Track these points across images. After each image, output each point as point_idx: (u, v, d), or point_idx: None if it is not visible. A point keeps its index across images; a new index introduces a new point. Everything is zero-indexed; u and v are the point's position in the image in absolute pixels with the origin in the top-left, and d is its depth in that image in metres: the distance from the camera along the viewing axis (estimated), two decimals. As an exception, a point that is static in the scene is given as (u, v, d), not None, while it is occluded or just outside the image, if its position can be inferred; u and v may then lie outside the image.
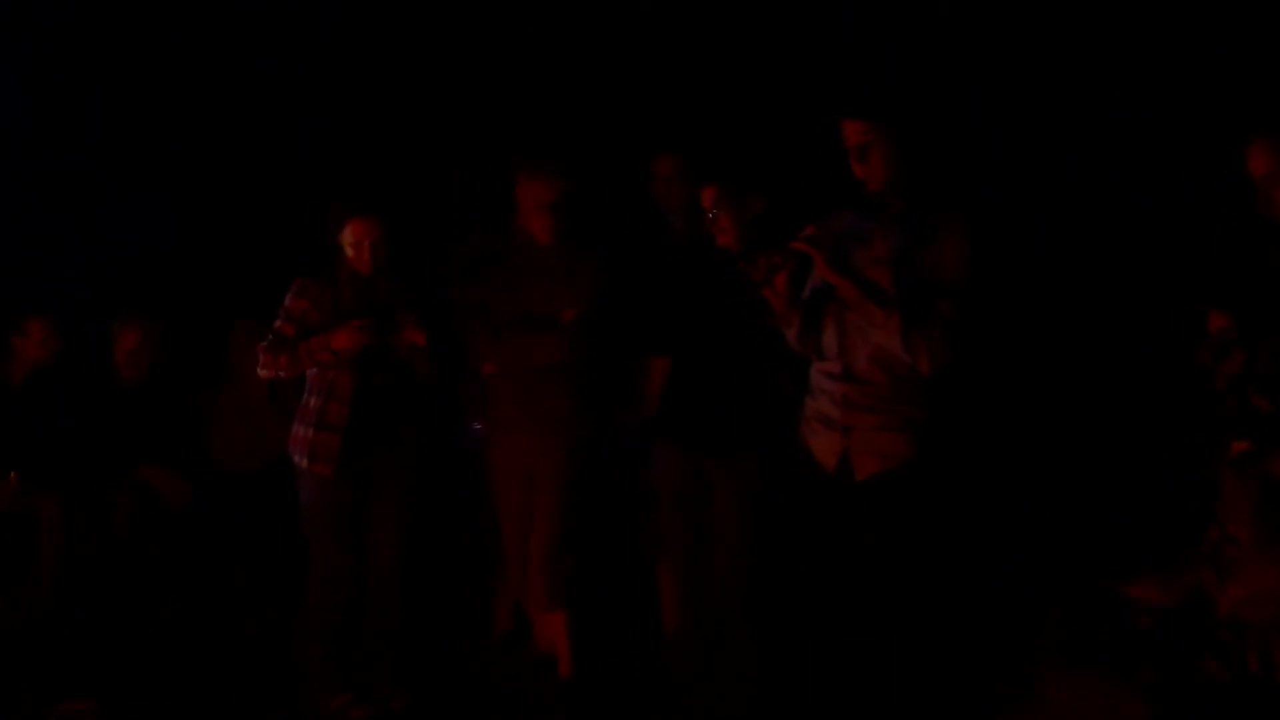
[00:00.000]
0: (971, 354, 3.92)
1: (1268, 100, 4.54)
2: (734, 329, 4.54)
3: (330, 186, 5.19)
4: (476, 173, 5.60)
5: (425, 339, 4.81)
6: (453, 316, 5.06)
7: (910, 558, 3.91)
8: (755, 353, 4.50)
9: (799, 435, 4.12)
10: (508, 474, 4.93)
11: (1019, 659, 4.28)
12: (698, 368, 4.62)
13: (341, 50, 6.61)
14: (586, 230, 4.94)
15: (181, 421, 6.32)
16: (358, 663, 4.92)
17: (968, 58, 5.60)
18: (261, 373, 4.92)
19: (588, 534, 4.90)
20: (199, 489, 6.17)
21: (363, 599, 4.91)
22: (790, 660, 4.56)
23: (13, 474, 6.09)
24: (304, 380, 4.98)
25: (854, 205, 4.08)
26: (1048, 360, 5.44)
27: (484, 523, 5.15)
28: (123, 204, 6.74)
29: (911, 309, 3.85)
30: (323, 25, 6.59)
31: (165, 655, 5.64)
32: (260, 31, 6.57)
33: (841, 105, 4.01)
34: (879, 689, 3.96)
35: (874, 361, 3.93)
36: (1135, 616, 4.03)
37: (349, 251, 4.87)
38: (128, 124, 6.77)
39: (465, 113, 6.40)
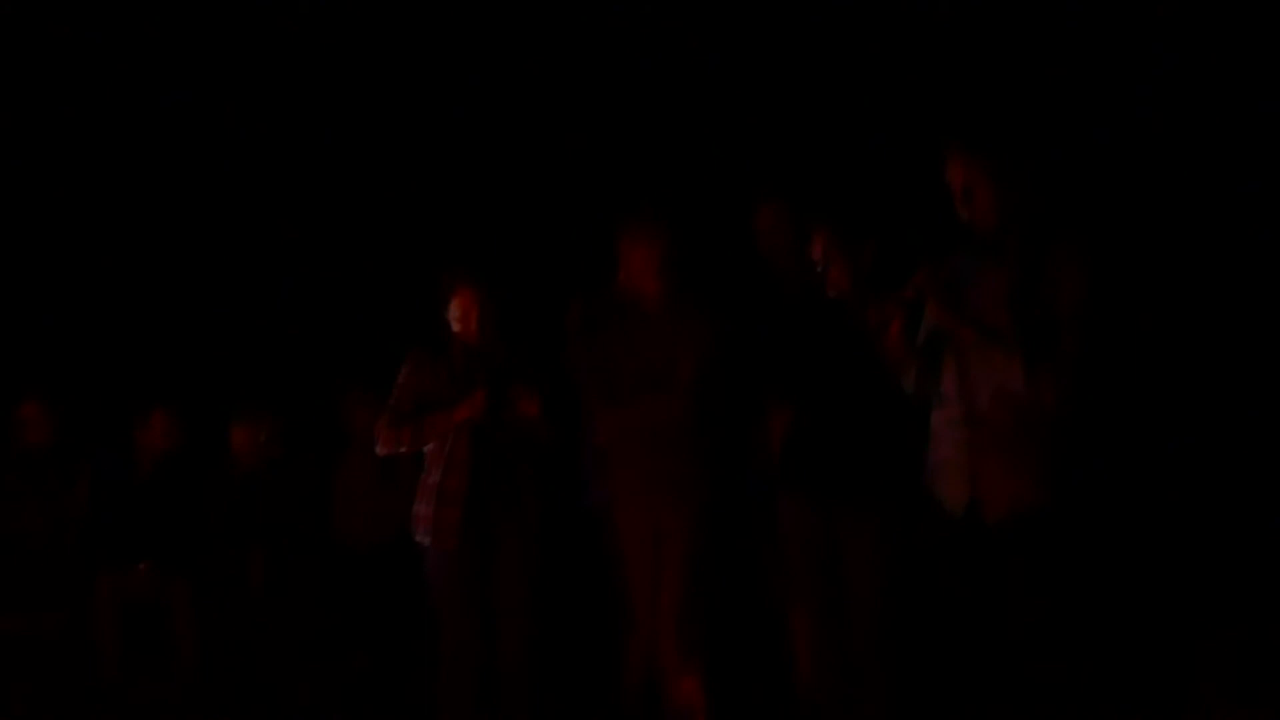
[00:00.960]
0: (1101, 387, 3.84)
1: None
2: (853, 376, 4.48)
3: (437, 258, 5.22)
4: (583, 235, 5.60)
5: (538, 409, 4.82)
6: (569, 380, 5.07)
7: (1050, 602, 3.82)
8: (877, 401, 4.44)
9: (924, 483, 4.06)
10: (635, 535, 4.90)
11: (1182, 699, 4.16)
12: (818, 417, 4.57)
13: (446, 121, 6.69)
14: (696, 287, 4.91)
15: (305, 500, 6.40)
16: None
17: (1070, 88, 5.53)
18: (381, 450, 4.96)
19: (718, 590, 4.86)
20: (324, 566, 6.23)
21: (494, 669, 4.91)
22: (927, 711, 4.49)
23: (143, 564, 6.20)
24: (420, 454, 5.00)
25: (965, 246, 4.02)
26: (1186, 387, 5.30)
27: (612, 586, 5.12)
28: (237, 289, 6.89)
29: (1032, 346, 3.78)
30: (423, 97, 6.67)
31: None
32: (368, 108, 6.68)
33: (942, 147, 3.96)
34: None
35: (996, 402, 3.86)
36: None
37: (456, 325, 4.91)
38: (237, 203, 6.92)
39: (568, 175, 6.44)
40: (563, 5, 6.39)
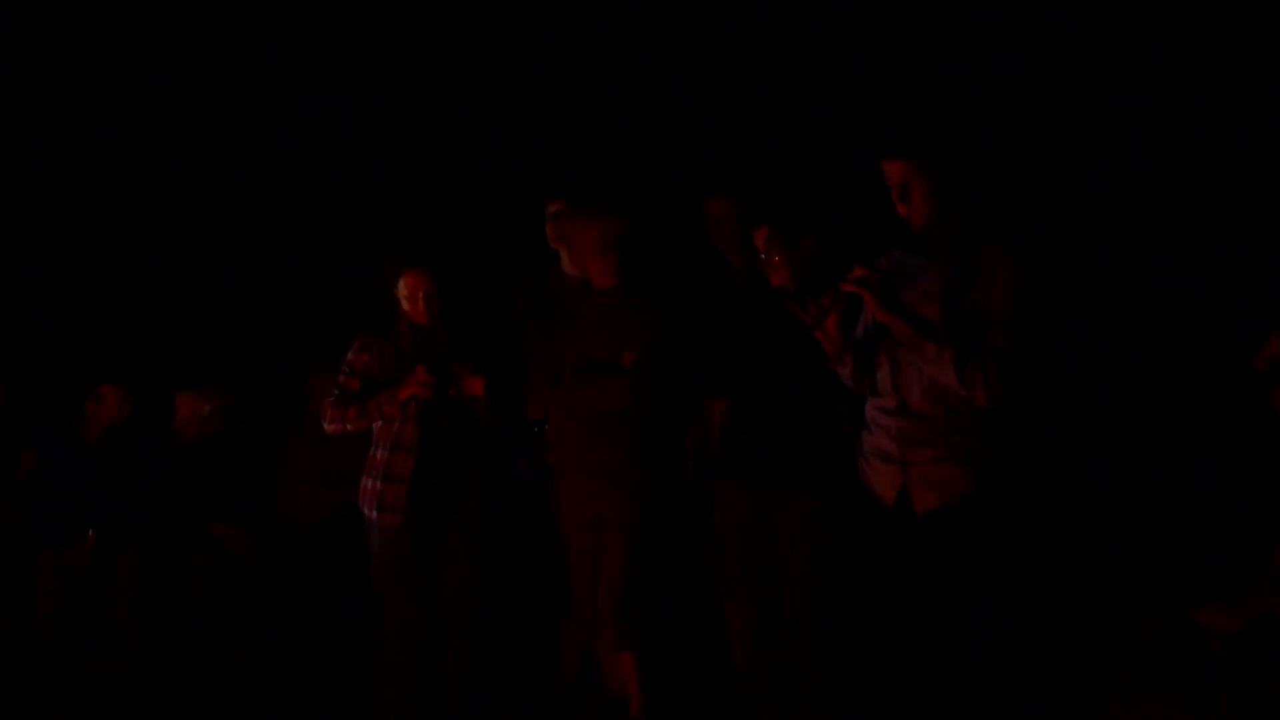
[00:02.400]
0: (1030, 383, 3.92)
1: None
2: (792, 367, 4.55)
3: (385, 239, 5.26)
4: (531, 217, 5.64)
5: (483, 389, 4.87)
6: (515, 361, 5.12)
7: (975, 590, 3.90)
8: (814, 390, 4.52)
9: (858, 471, 4.14)
10: (574, 519, 4.96)
11: (1091, 688, 4.26)
12: (758, 407, 4.64)
13: (394, 102, 6.72)
14: (643, 273, 4.97)
15: (251, 478, 6.42)
16: (432, 710, 4.97)
17: (1004, 89, 5.61)
18: (329, 427, 5.00)
19: (655, 576, 4.92)
20: (269, 544, 6.26)
21: (436, 646, 4.96)
22: (861, 695, 4.57)
23: (91, 533, 6.21)
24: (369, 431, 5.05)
25: (903, 243, 4.10)
26: (1109, 386, 5.42)
27: (552, 565, 5.18)
28: (189, 261, 6.89)
29: (963, 343, 3.86)
30: (373, 82, 6.70)
31: (240, 709, 5.73)
32: (316, 96, 6.70)
33: (880, 146, 4.03)
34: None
35: (928, 395, 3.94)
36: (1207, 643, 4.01)
37: (404, 304, 4.95)
38: (188, 184, 6.92)
39: (519, 158, 6.48)
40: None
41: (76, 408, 6.42)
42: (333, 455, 6.21)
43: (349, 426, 4.96)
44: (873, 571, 4.14)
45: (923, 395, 3.95)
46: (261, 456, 6.50)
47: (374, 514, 4.92)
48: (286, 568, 6.26)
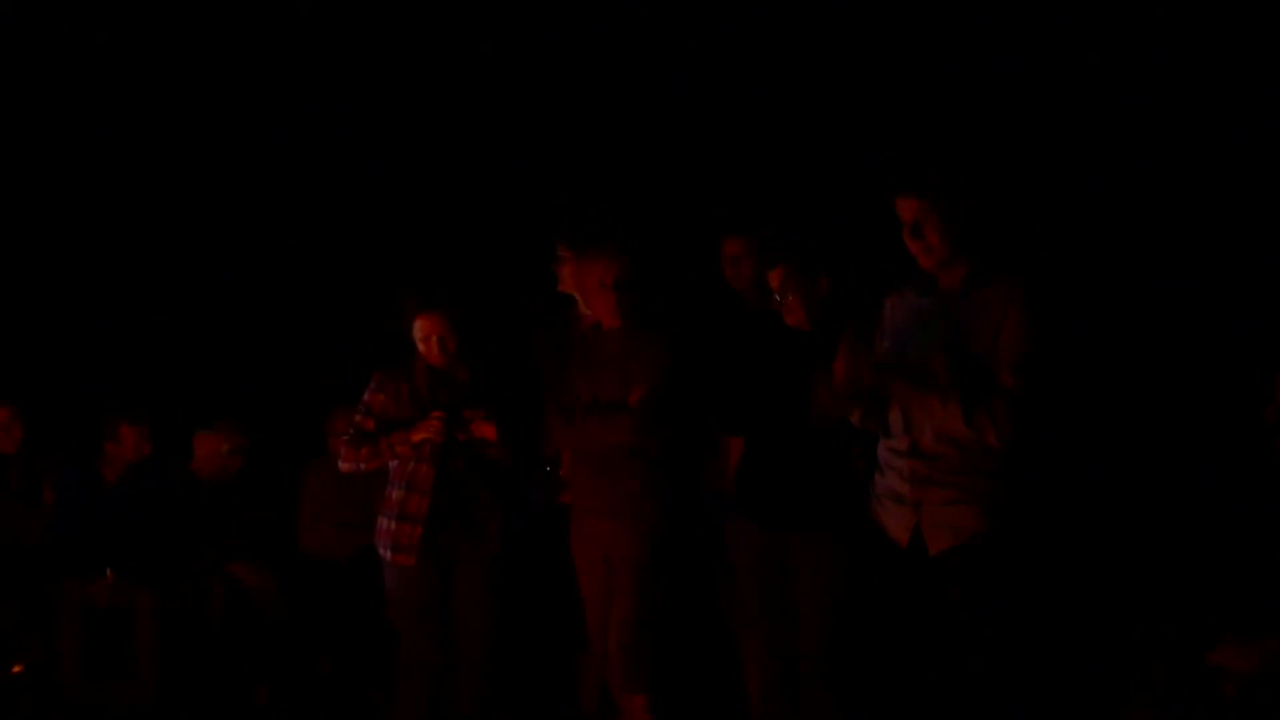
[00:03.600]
0: (1043, 421, 3.92)
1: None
2: (806, 406, 4.55)
3: (404, 275, 5.28)
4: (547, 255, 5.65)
5: (495, 434, 4.88)
6: (533, 400, 5.14)
7: (989, 631, 3.89)
8: (828, 429, 4.52)
9: (870, 512, 4.14)
10: (586, 557, 4.96)
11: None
12: (772, 445, 4.65)
13: (424, 132, 6.76)
14: (651, 311, 4.98)
15: (269, 516, 6.45)
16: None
17: (1003, 88, 5.60)
18: (343, 466, 5.03)
19: (668, 614, 4.92)
20: (287, 581, 6.28)
21: (450, 686, 4.97)
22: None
23: (109, 571, 6.25)
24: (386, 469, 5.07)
25: (913, 282, 4.11)
26: (1123, 425, 5.40)
27: (570, 602, 5.19)
28: (211, 297, 6.95)
29: (970, 390, 3.85)
30: (386, 118, 6.75)
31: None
32: (329, 132, 6.75)
33: (893, 183, 4.02)
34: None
35: (940, 436, 3.93)
36: (1219, 684, 3.99)
37: (420, 346, 4.98)
38: (210, 221, 6.97)
39: (541, 194, 6.51)
40: (532, 25, 6.46)
41: (96, 444, 6.47)
42: (352, 493, 6.26)
43: (362, 466, 4.99)
44: (888, 612, 4.13)
45: (934, 436, 3.94)
46: (280, 494, 6.51)
47: (389, 554, 4.94)
48: (305, 605, 6.27)
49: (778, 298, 4.63)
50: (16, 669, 5.91)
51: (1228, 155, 5.50)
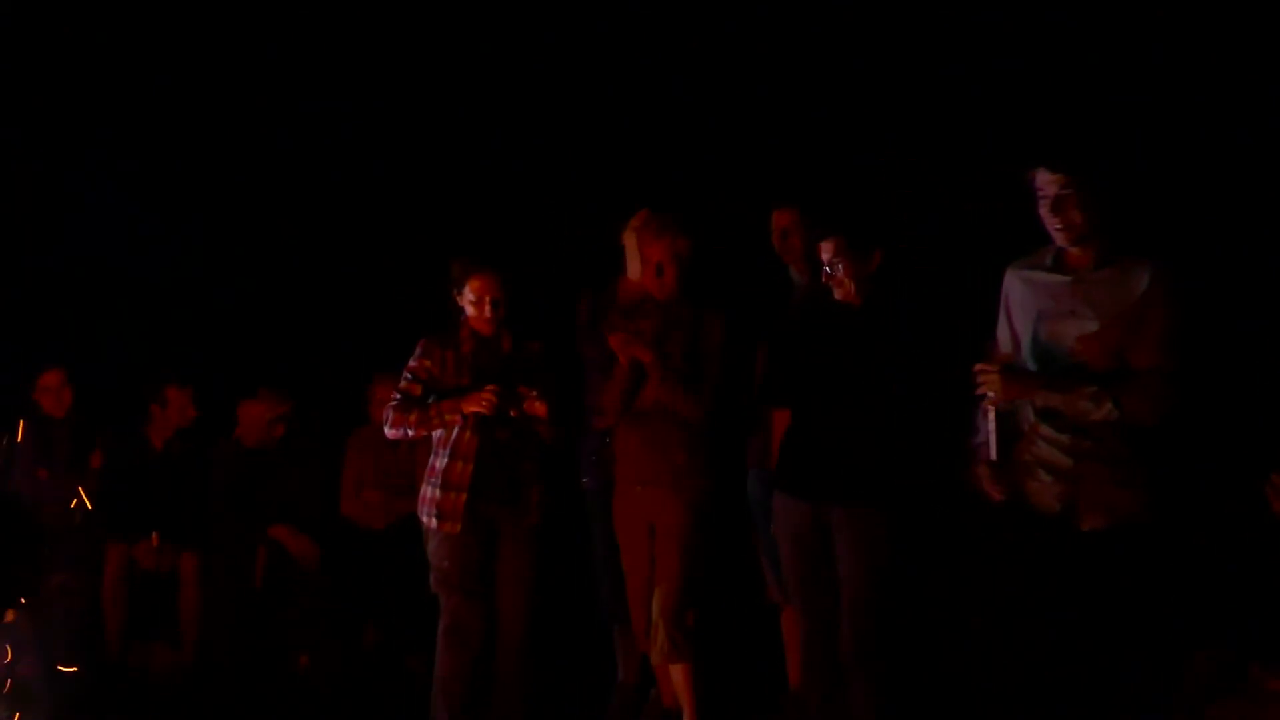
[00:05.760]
0: (1198, 405, 3.90)
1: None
2: (852, 380, 4.53)
3: (450, 245, 5.26)
4: (595, 230, 5.64)
5: (546, 410, 4.88)
6: (576, 372, 5.13)
7: (1126, 613, 3.90)
8: (875, 403, 4.50)
9: (1014, 477, 4.06)
10: (631, 527, 4.96)
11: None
12: (817, 419, 4.62)
13: (464, 111, 6.75)
14: (705, 284, 4.97)
15: (312, 483, 6.46)
16: (486, 716, 4.98)
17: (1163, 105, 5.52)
18: (390, 432, 5.03)
19: (711, 586, 4.91)
20: (331, 547, 6.30)
21: (491, 654, 4.97)
22: (913, 708, 4.54)
23: (154, 534, 6.30)
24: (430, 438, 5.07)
25: (1034, 258, 4.08)
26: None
27: (612, 575, 5.18)
28: (253, 266, 6.97)
29: (1122, 382, 3.85)
30: (440, 89, 6.74)
31: (301, 708, 5.78)
32: (385, 98, 6.75)
33: (1045, 157, 3.97)
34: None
35: (1096, 420, 3.93)
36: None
37: (470, 309, 4.97)
38: (253, 192, 7.00)
39: (587, 171, 6.49)
40: (585, 4, 6.44)
41: (144, 410, 6.52)
42: (393, 461, 6.27)
43: (410, 432, 4.99)
44: (1005, 577, 4.07)
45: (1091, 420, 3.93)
46: (323, 462, 6.53)
47: (432, 521, 4.94)
48: (347, 572, 6.29)
49: (827, 270, 4.59)
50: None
51: (1226, 151, 5.39)
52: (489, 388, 4.85)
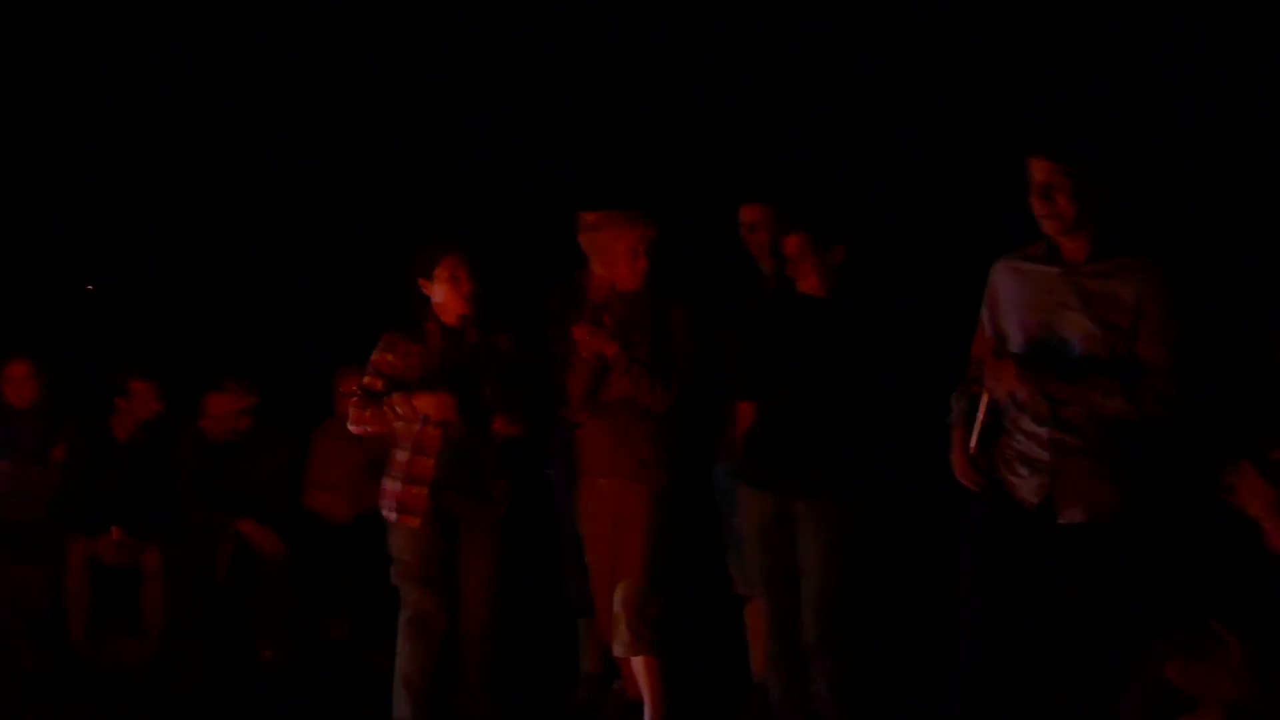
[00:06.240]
0: (1191, 394, 3.90)
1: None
2: (817, 373, 4.55)
3: (413, 238, 5.22)
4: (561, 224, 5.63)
5: (505, 421, 4.87)
6: (545, 363, 5.13)
7: (1100, 607, 3.94)
8: (838, 395, 4.52)
9: (995, 470, 4.09)
10: (594, 519, 4.97)
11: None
12: (781, 411, 4.63)
13: (428, 107, 6.75)
14: (671, 276, 4.98)
15: (278, 476, 6.44)
16: (450, 710, 4.97)
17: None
18: (353, 428, 4.99)
19: (675, 578, 4.92)
20: (295, 541, 6.28)
21: (454, 647, 4.96)
22: (875, 700, 4.56)
23: (115, 528, 6.26)
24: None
25: (1025, 251, 4.07)
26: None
27: (577, 567, 5.19)
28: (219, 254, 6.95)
29: (1131, 377, 3.86)
30: (406, 84, 6.73)
31: (264, 702, 5.76)
32: (352, 91, 6.74)
33: (1038, 145, 3.94)
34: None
35: (1087, 415, 3.93)
36: None
37: (441, 291, 4.93)
38: (220, 182, 6.97)
39: (550, 160, 6.50)
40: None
41: (108, 402, 6.48)
42: (358, 455, 6.25)
43: (369, 429, 4.96)
44: (979, 568, 4.08)
45: (1083, 413, 3.94)
46: (288, 455, 6.50)
47: (394, 515, 4.92)
48: (312, 565, 6.27)
49: (792, 264, 4.61)
50: None
51: (1225, 151, 5.42)
52: (444, 394, 4.82)
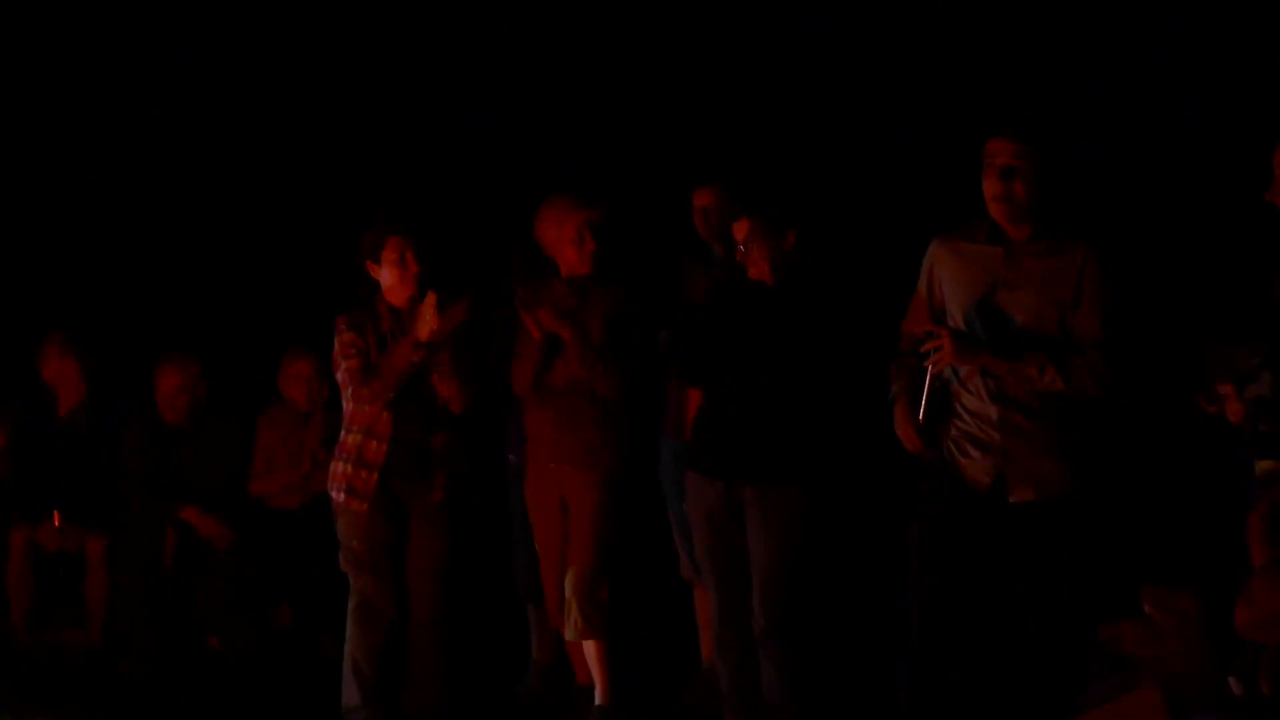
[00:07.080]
0: (1132, 372, 3.95)
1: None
2: (766, 358, 4.55)
3: (361, 222, 5.17)
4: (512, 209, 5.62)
5: (451, 385, 4.83)
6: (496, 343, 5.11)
7: (1053, 586, 3.97)
8: (788, 381, 4.52)
9: (944, 452, 4.09)
10: (543, 504, 4.98)
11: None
12: (730, 397, 4.63)
13: (379, 91, 6.72)
14: (618, 261, 4.97)
15: (224, 462, 6.37)
16: (399, 695, 4.94)
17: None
18: (371, 408, 4.84)
19: (624, 563, 4.92)
20: (242, 528, 6.23)
21: (403, 632, 4.93)
22: (824, 685, 4.57)
23: (55, 513, 6.18)
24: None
25: (967, 229, 4.09)
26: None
27: (527, 553, 5.18)
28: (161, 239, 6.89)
29: (1066, 353, 3.89)
30: (357, 71, 6.70)
31: (210, 690, 5.72)
32: (307, 86, 6.71)
33: (1003, 127, 3.95)
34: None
35: (1033, 394, 3.96)
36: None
37: (389, 273, 4.88)
38: (168, 163, 6.91)
39: (504, 147, 6.48)
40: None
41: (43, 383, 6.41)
42: (305, 441, 6.20)
43: (389, 394, 4.81)
44: (933, 551, 4.07)
45: (1029, 393, 3.96)
46: (235, 441, 6.43)
47: (342, 496, 4.88)
48: (259, 551, 6.22)
49: (742, 250, 4.61)
50: None
51: (1223, 151, 5.47)
52: (430, 301, 4.68)
